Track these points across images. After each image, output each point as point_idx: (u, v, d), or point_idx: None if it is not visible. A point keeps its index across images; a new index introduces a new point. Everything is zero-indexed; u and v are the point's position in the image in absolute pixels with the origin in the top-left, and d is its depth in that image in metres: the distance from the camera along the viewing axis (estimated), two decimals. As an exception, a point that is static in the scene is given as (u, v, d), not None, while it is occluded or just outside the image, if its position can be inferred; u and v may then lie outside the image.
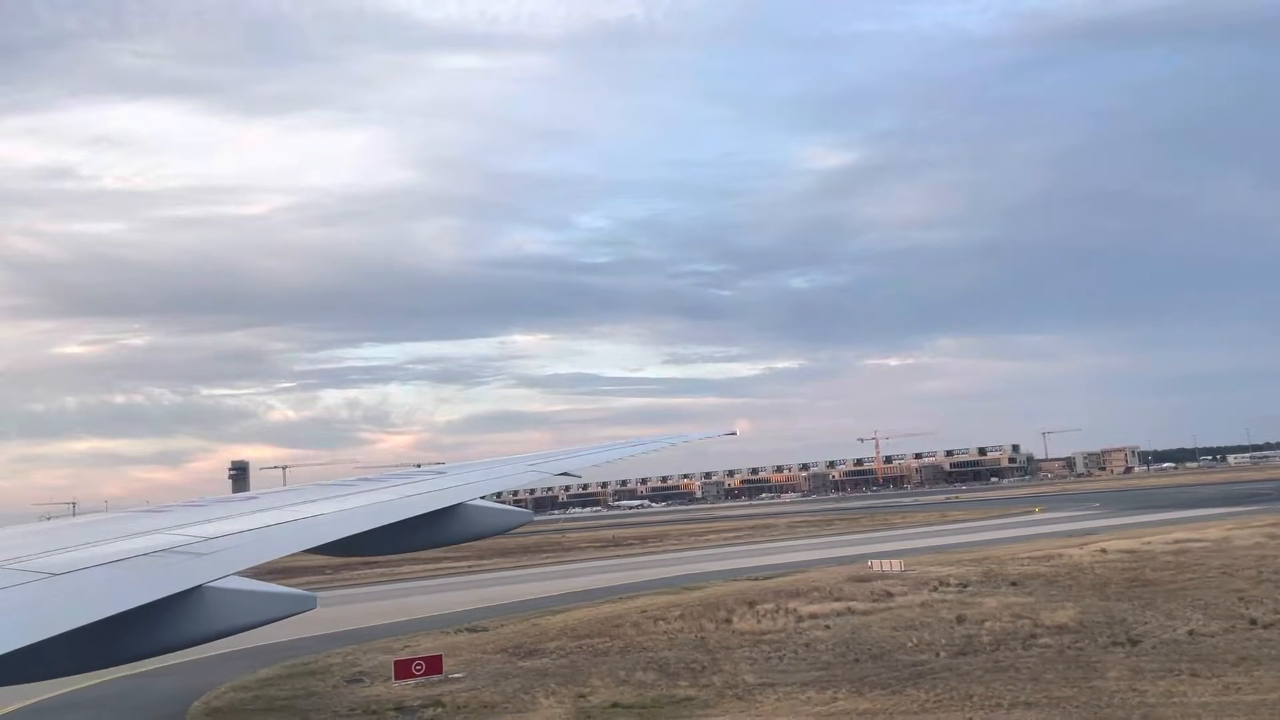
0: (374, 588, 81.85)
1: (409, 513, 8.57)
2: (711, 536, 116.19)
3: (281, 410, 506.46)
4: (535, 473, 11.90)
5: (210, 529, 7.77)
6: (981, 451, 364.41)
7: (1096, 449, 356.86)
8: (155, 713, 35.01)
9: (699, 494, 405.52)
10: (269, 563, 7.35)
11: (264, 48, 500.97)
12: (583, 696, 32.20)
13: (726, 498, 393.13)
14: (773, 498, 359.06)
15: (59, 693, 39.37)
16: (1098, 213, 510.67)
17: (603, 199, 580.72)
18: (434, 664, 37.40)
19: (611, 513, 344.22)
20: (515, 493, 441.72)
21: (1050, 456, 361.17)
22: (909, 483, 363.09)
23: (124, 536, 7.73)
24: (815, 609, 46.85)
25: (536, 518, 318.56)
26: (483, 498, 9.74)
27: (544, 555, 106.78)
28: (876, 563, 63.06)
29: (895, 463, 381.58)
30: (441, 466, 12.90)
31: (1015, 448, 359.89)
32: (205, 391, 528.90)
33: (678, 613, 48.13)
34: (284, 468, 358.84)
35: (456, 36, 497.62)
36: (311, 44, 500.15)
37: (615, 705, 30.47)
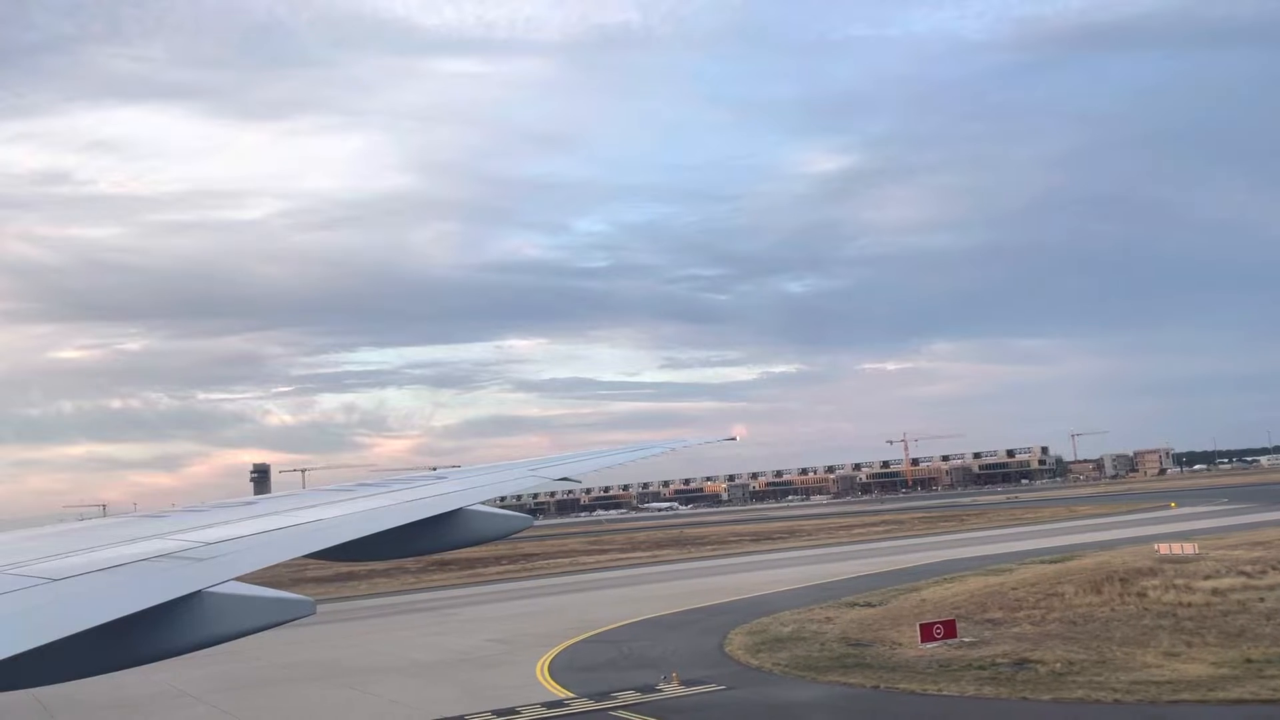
0: (602, 575, 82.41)
1: (410, 518, 8.63)
2: (858, 530, 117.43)
3: (279, 414, 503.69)
4: (536, 478, 12.06)
5: (210, 534, 7.77)
6: (1010, 453, 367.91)
7: (1125, 451, 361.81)
8: (699, 671, 35.60)
9: (724, 496, 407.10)
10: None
11: (261, 52, 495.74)
12: (1174, 655, 33.35)
13: (751, 500, 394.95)
14: (801, 499, 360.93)
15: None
16: (1095, 216, 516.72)
17: (600, 203, 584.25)
18: (950, 628, 38.56)
19: (642, 515, 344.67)
20: (535, 496, 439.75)
21: (1079, 458, 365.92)
22: (938, 484, 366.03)
23: (124, 541, 7.73)
24: (1209, 585, 48.19)
25: (560, 520, 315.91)
26: (484, 502, 9.88)
27: (709, 548, 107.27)
28: (1164, 545, 64.60)
29: (923, 465, 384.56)
30: (451, 470, 13.44)
31: (1044, 449, 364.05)
32: (202, 396, 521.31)
33: (1070, 589, 49.24)
34: (303, 470, 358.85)
35: (454, 41, 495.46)
36: (308, 48, 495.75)
37: (1248, 661, 31.65)
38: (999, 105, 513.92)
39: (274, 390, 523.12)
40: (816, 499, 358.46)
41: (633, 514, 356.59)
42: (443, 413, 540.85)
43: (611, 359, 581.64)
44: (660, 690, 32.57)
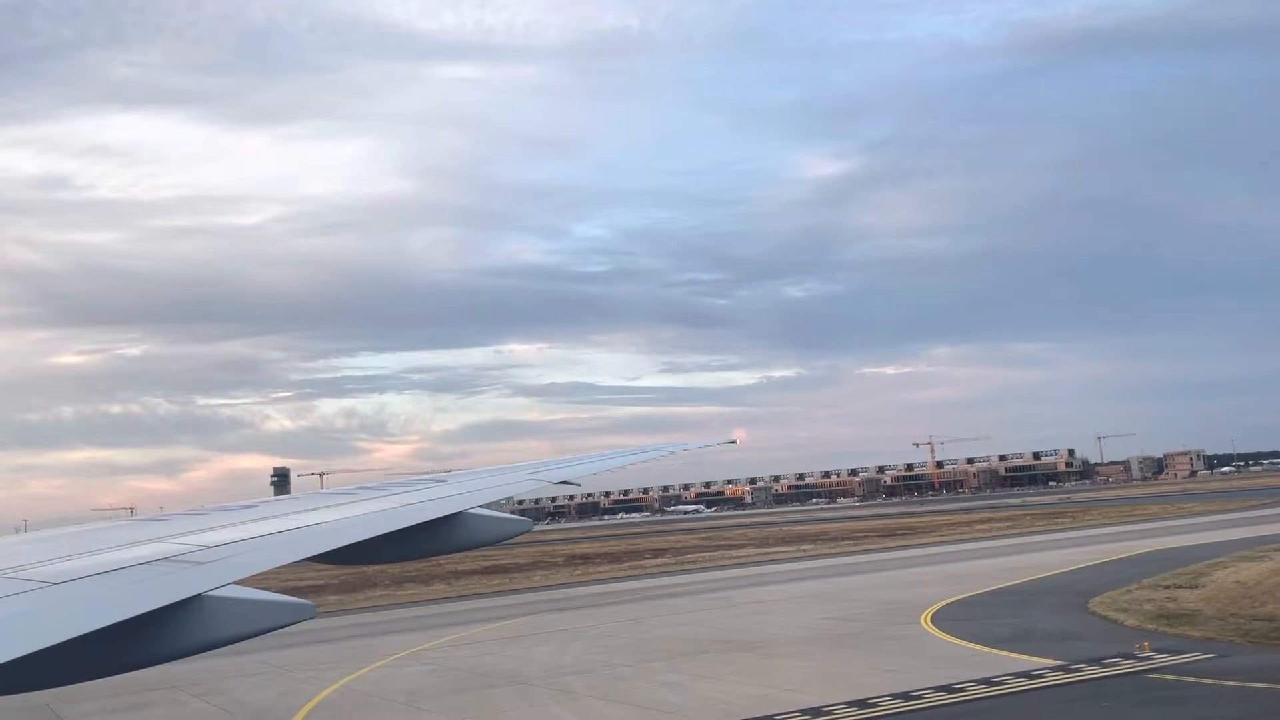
0: (783, 566, 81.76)
1: (410, 521, 8.67)
2: (979, 527, 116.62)
3: (278, 419, 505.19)
4: (536, 481, 12.05)
5: (210, 538, 7.80)
6: (1036, 456, 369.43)
7: (1152, 454, 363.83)
8: (1125, 644, 35.01)
9: (748, 499, 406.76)
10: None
11: (260, 57, 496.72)
12: None
13: (774, 503, 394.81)
14: (826, 502, 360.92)
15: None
16: (1094, 221, 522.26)
17: (599, 208, 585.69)
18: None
19: (670, 517, 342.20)
20: (554, 500, 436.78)
21: (1105, 461, 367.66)
22: (965, 487, 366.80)
23: (123, 545, 7.73)
24: None
25: (584, 523, 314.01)
26: (486, 505, 9.96)
27: (847, 543, 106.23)
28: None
29: (947, 467, 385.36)
30: (450, 473, 13.24)
31: (1071, 452, 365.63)
32: (202, 401, 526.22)
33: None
34: (321, 474, 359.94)
35: (452, 46, 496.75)
36: (307, 54, 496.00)
37: None
38: (997, 109, 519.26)
39: (273, 395, 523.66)
40: (843, 501, 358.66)
41: (658, 516, 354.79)
42: (442, 417, 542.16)
43: (611, 363, 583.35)
44: (1149, 658, 31.88)
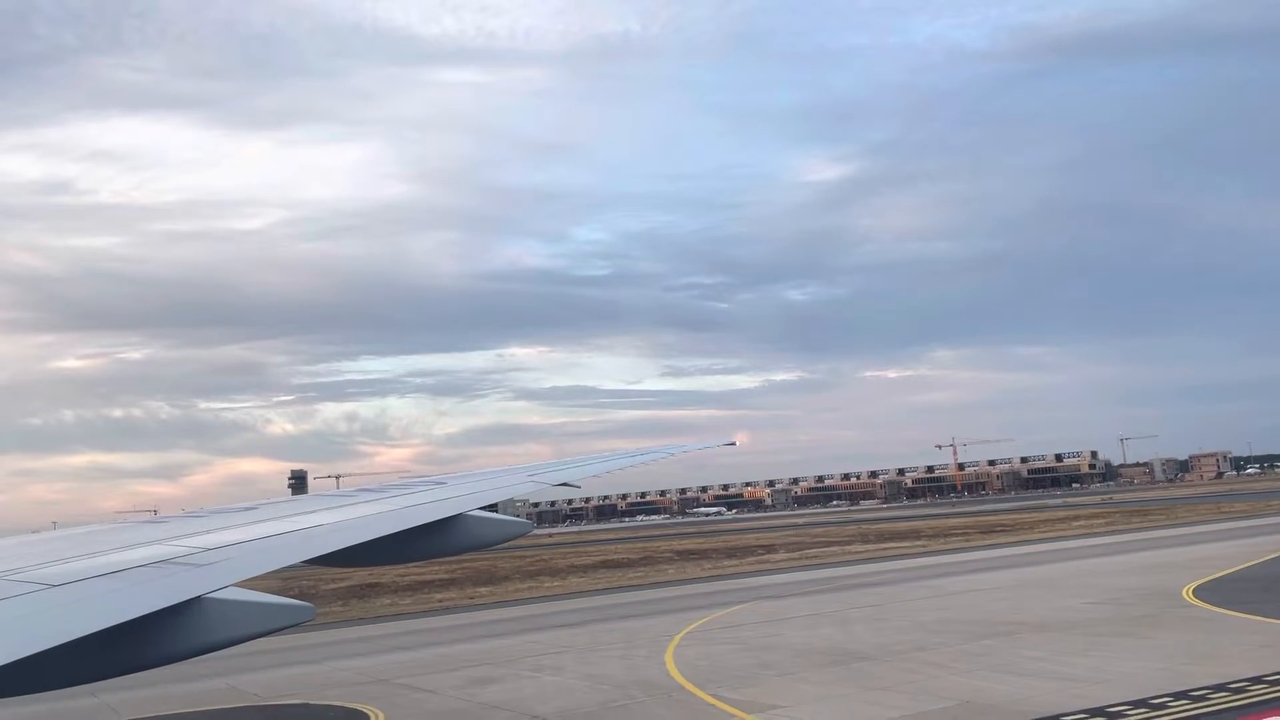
0: (923, 561, 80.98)
1: (409, 523, 8.77)
2: (1077, 525, 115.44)
3: (280, 423, 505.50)
4: (535, 483, 12.12)
5: (209, 540, 7.88)
6: (1059, 458, 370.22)
7: (1175, 455, 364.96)
8: None
9: (768, 501, 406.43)
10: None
11: (261, 62, 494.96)
12: None
13: (795, 505, 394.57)
14: (849, 504, 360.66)
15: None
16: (1095, 224, 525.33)
17: (600, 212, 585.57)
18: None
19: (692, 519, 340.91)
20: (570, 502, 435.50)
21: (1127, 462, 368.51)
22: (989, 489, 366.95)
23: (123, 547, 7.80)
24: None
25: (596, 525, 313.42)
26: (485, 507, 10.05)
27: (956, 539, 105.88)
28: None
29: (969, 469, 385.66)
30: (451, 475, 13.18)
31: (1094, 454, 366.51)
32: (203, 405, 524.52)
33: None
34: (337, 476, 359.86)
35: (454, 51, 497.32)
36: (309, 58, 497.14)
37: None
38: (998, 113, 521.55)
39: (275, 399, 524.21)
40: (865, 503, 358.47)
41: (679, 519, 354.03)
42: (444, 421, 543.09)
43: (613, 367, 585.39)
44: None
